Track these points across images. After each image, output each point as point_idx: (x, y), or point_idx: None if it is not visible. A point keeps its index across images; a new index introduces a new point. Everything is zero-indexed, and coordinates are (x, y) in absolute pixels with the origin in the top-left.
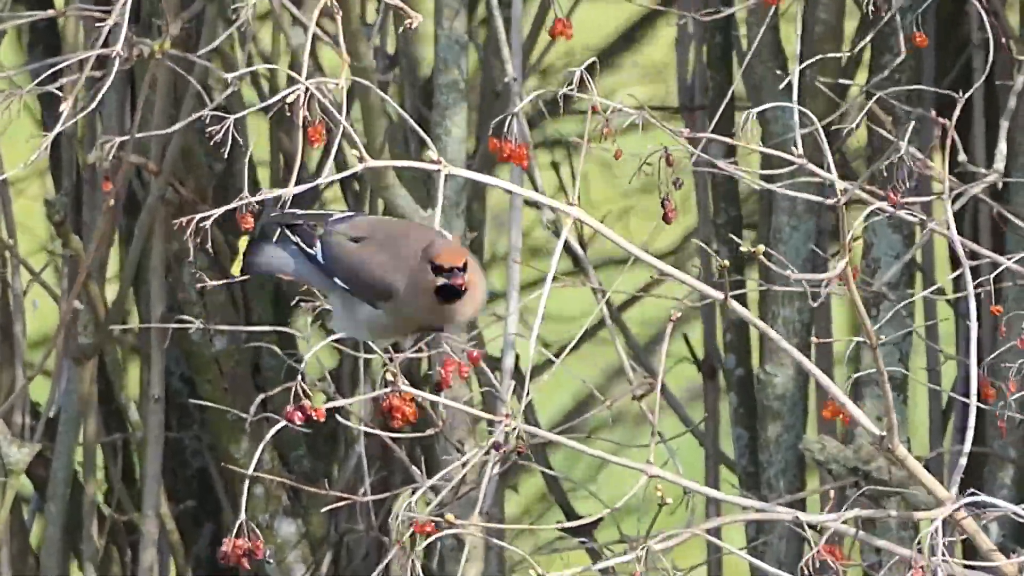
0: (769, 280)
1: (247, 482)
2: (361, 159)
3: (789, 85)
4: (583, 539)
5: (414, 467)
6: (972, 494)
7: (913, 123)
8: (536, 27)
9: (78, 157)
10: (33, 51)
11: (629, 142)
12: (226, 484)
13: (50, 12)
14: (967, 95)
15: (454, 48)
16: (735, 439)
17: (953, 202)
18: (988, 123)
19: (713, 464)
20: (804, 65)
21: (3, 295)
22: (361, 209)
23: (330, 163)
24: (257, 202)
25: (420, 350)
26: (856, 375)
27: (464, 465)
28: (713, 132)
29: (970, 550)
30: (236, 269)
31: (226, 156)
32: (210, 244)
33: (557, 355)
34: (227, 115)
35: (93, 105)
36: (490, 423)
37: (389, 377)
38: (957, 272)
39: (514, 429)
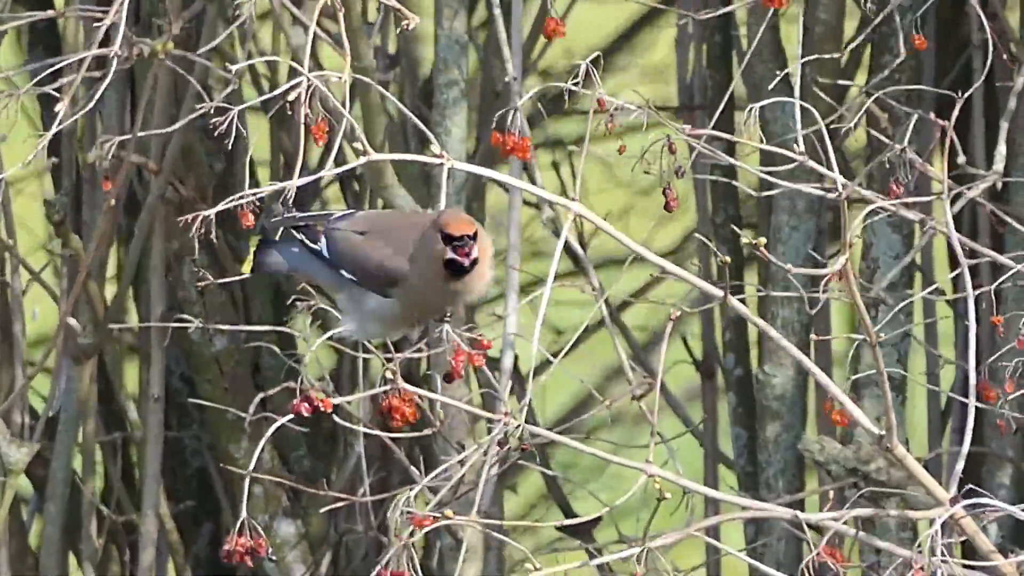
0: (769, 281)
1: (247, 481)
2: (364, 152)
3: (789, 84)
4: (582, 539)
5: (413, 467)
6: (971, 493)
7: (912, 123)
8: (536, 27)
9: (78, 157)
10: (33, 51)
11: (631, 142)
12: (225, 484)
13: (49, 12)
14: (966, 95)
15: (454, 48)
16: (734, 439)
17: (952, 203)
18: (988, 124)
19: (712, 464)
20: (804, 60)
21: (2, 294)
22: (361, 208)
23: (331, 161)
24: (258, 198)
25: (419, 350)
26: (855, 376)
27: (462, 464)
28: (714, 128)
29: (969, 551)
30: (247, 268)
31: (226, 155)
32: (213, 239)
33: (555, 355)
34: (224, 120)
35: (90, 105)
36: (489, 423)
37: (388, 375)
38: (956, 272)
39: (518, 426)
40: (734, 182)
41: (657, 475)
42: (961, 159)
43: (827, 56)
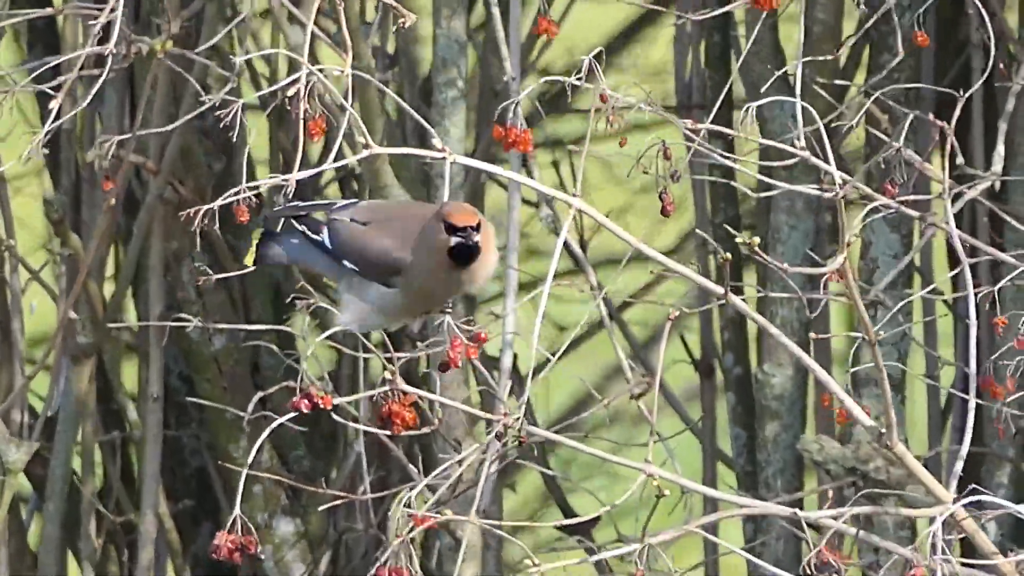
0: (768, 280)
1: (243, 478)
2: (366, 146)
3: (788, 84)
4: (581, 538)
5: (411, 466)
6: (972, 492)
7: (911, 121)
8: (535, 27)
9: (77, 156)
10: (32, 51)
11: (631, 140)
12: (224, 483)
13: (48, 10)
14: (967, 95)
15: (453, 47)
16: (733, 438)
17: (952, 202)
18: (987, 124)
19: (711, 463)
20: (803, 61)
21: (1, 293)
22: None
23: (331, 158)
24: (256, 195)
25: (416, 346)
26: (855, 370)
27: (461, 463)
28: (712, 131)
29: (968, 550)
30: (249, 260)
31: (225, 155)
32: (212, 237)
33: (554, 354)
34: (227, 112)
35: (85, 103)
36: (488, 421)
37: (387, 376)
38: (956, 271)
39: (517, 418)
40: (733, 183)
41: (656, 474)
42: (959, 160)
43: (828, 57)
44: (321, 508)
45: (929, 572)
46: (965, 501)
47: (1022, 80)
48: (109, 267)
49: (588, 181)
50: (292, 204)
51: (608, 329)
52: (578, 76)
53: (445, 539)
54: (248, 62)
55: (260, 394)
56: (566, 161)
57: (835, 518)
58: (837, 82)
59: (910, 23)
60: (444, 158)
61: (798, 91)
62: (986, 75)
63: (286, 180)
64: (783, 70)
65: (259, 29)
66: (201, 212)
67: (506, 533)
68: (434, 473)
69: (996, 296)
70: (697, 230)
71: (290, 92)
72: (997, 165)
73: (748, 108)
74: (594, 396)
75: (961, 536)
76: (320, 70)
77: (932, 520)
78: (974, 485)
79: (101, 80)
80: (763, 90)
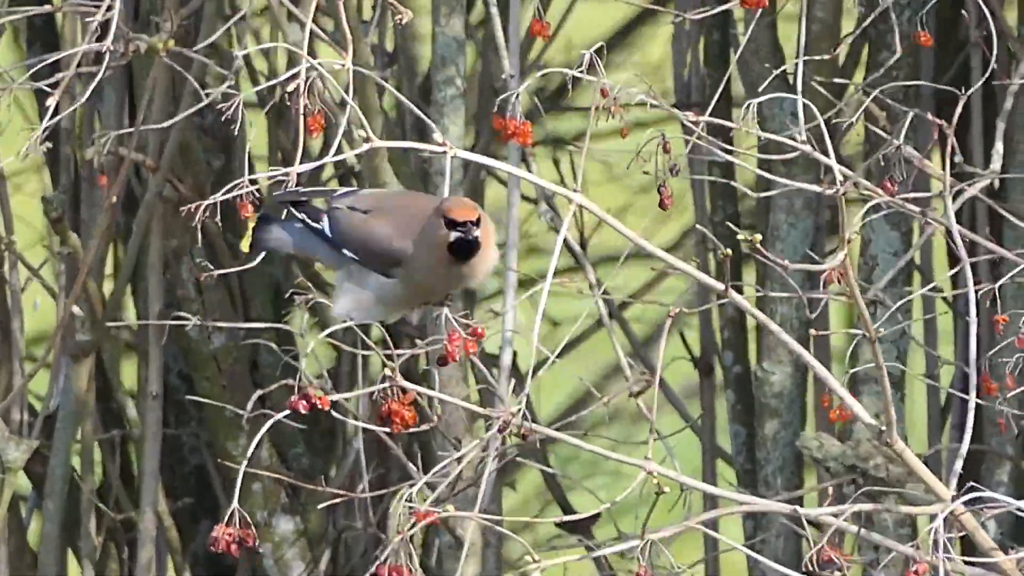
0: (767, 278)
1: (241, 474)
2: (367, 139)
3: (787, 82)
4: (580, 536)
5: (411, 464)
6: (973, 489)
7: (910, 118)
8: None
9: (75, 154)
10: (32, 49)
11: (631, 137)
12: (224, 481)
13: (45, 7)
14: (967, 94)
15: (452, 46)
16: (732, 436)
17: (952, 200)
18: (986, 122)
19: (710, 460)
20: (802, 59)
21: (1, 291)
22: None
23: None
24: (256, 191)
25: (416, 344)
26: (855, 369)
27: (460, 460)
28: (711, 129)
29: (967, 548)
30: (245, 245)
31: (224, 152)
32: (216, 226)
33: (553, 351)
34: (228, 105)
35: (83, 100)
36: (488, 420)
37: (387, 372)
38: (956, 269)
39: (518, 410)
40: (732, 182)
41: (656, 471)
42: (958, 159)
43: (824, 56)
44: (320, 506)
45: (932, 569)
46: (965, 498)
47: (1020, 78)
48: (108, 265)
49: (587, 180)
50: (292, 190)
51: (607, 327)
52: (579, 68)
53: (445, 537)
54: (247, 61)
55: (259, 392)
56: (566, 159)
57: (836, 515)
58: (836, 80)
59: (909, 21)
60: (444, 152)
61: (799, 88)
62: (986, 74)
63: (286, 175)
64: (781, 68)
65: (259, 28)
66: (200, 209)
67: (506, 531)
68: (433, 471)
69: (996, 293)
70: (698, 226)
71: (289, 88)
72: (996, 163)
73: (749, 104)
74: (592, 394)
75: (961, 534)
76: (321, 61)
77: (933, 518)
78: (973, 483)
79: (99, 78)
80: (760, 89)
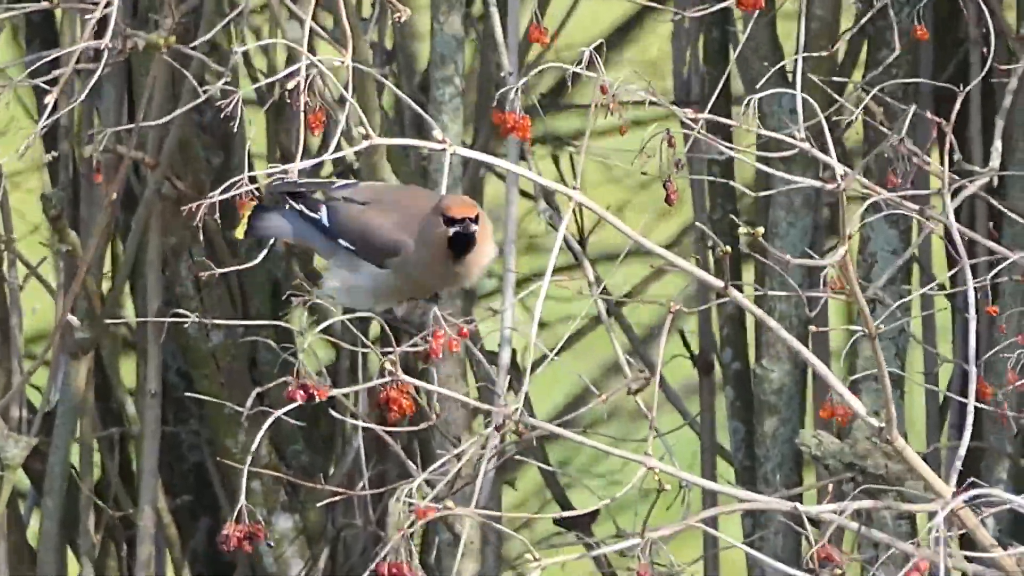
0: (766, 276)
1: (245, 472)
2: (367, 136)
3: (786, 80)
4: (579, 533)
5: (410, 461)
6: (973, 486)
7: (909, 115)
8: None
9: (75, 152)
10: (31, 46)
11: (631, 135)
12: (223, 478)
13: (44, 4)
14: (966, 91)
15: (450, 43)
16: (732, 433)
17: (951, 197)
18: (985, 120)
19: (709, 458)
20: (801, 56)
21: (0, 289)
22: None
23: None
24: (256, 188)
25: (416, 344)
26: (855, 376)
27: (459, 458)
28: (710, 126)
29: (967, 545)
30: (240, 232)
31: (224, 150)
32: (216, 223)
33: (552, 349)
34: (228, 102)
35: (81, 97)
36: (487, 415)
37: (388, 367)
38: (956, 269)
39: (517, 409)
40: (731, 182)
41: (656, 468)
42: (957, 156)
43: (823, 54)
44: (320, 504)
45: (931, 565)
46: (966, 495)
47: (1019, 76)
48: (107, 263)
49: (586, 178)
50: (290, 180)
51: (606, 325)
52: (579, 63)
53: (444, 534)
54: (246, 59)
55: (258, 389)
56: (565, 157)
57: (836, 513)
58: (835, 79)
59: (908, 18)
60: (444, 149)
61: (798, 85)
62: (985, 71)
63: (285, 171)
64: (780, 64)
65: (259, 25)
66: (200, 206)
67: (505, 528)
68: (431, 468)
69: (994, 290)
70: (697, 224)
71: (289, 85)
72: (995, 160)
73: (748, 101)
74: (591, 392)
75: (961, 532)
76: (321, 58)
77: (933, 515)
78: (973, 480)
79: (97, 75)
80: (759, 85)
